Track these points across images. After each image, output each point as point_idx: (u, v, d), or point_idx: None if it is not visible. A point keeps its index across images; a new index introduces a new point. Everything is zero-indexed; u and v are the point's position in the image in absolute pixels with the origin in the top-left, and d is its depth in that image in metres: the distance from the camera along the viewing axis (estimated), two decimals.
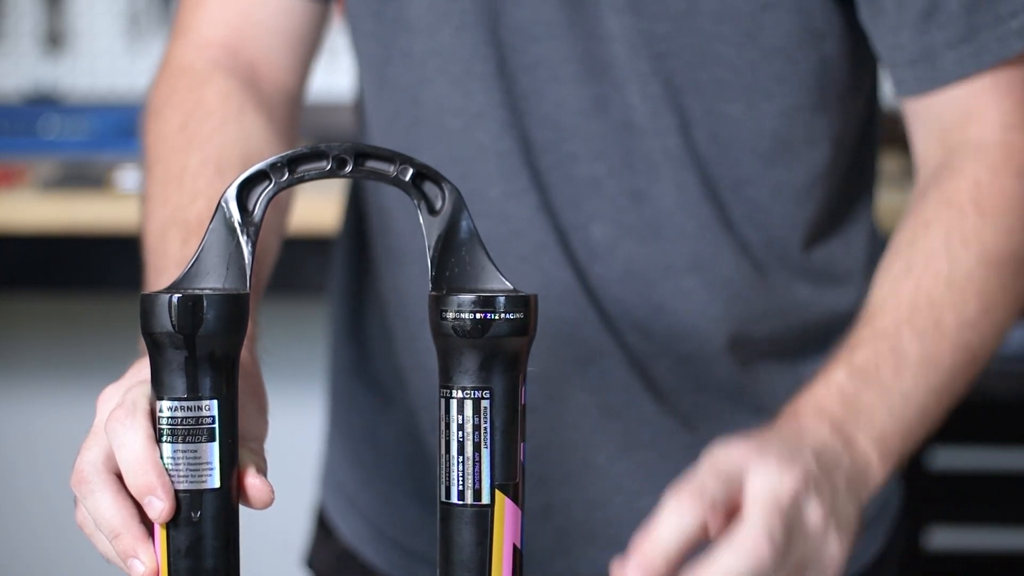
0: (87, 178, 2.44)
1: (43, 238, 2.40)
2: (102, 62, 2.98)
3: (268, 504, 0.85)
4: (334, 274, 1.32)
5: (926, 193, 1.09)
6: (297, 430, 1.78)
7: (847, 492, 0.94)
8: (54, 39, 2.96)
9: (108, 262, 2.43)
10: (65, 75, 2.97)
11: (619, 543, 1.18)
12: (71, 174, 2.47)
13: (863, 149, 1.21)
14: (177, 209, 1.04)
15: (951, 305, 1.04)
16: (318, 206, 1.31)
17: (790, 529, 0.88)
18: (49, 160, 2.59)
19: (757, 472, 0.88)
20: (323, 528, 1.33)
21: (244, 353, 0.92)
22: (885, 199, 1.37)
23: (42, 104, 2.88)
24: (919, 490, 2.21)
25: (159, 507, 0.82)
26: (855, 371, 1.00)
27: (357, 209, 1.28)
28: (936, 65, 1.09)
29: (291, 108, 1.19)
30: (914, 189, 1.12)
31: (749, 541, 0.85)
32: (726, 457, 0.89)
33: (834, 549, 0.91)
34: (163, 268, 1.01)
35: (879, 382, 1.00)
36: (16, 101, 2.92)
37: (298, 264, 1.14)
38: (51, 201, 2.38)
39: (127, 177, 2.43)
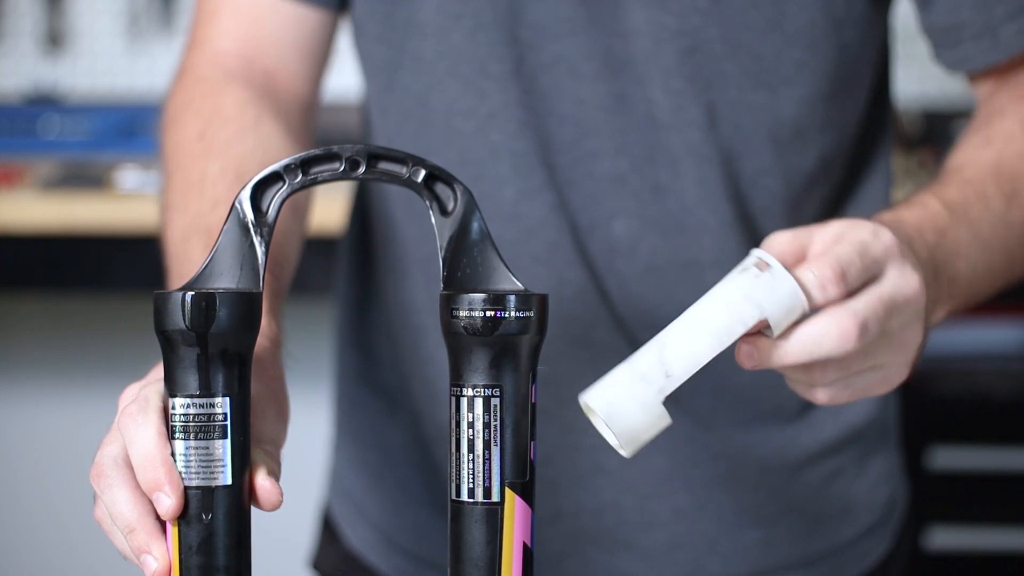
0: (87, 178, 2.45)
1: (43, 238, 2.40)
2: (102, 62, 2.98)
3: (276, 506, 0.86)
4: (339, 280, 1.32)
5: (995, 92, 1.15)
6: (302, 430, 1.79)
7: (923, 319, 0.95)
8: (54, 39, 2.96)
9: (108, 262, 2.44)
10: (65, 75, 2.97)
11: (630, 546, 1.18)
12: (71, 174, 2.47)
13: (872, 136, 1.22)
14: (198, 216, 1.05)
15: None
16: (322, 207, 1.32)
17: (882, 331, 0.90)
18: (49, 160, 2.60)
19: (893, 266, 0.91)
20: (329, 530, 1.33)
21: (268, 357, 0.93)
22: None
23: (42, 104, 2.88)
24: (919, 490, 2.21)
25: (167, 503, 0.83)
26: (947, 204, 1.03)
27: (361, 217, 1.29)
28: (998, 38, 1.13)
29: (307, 116, 1.20)
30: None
31: (846, 320, 0.89)
32: (875, 245, 0.91)
33: (903, 369, 0.93)
34: (186, 273, 1.01)
35: (967, 222, 1.03)
36: (16, 101, 2.92)
37: (303, 265, 1.14)
38: (51, 201, 2.38)
39: (127, 177, 2.43)
